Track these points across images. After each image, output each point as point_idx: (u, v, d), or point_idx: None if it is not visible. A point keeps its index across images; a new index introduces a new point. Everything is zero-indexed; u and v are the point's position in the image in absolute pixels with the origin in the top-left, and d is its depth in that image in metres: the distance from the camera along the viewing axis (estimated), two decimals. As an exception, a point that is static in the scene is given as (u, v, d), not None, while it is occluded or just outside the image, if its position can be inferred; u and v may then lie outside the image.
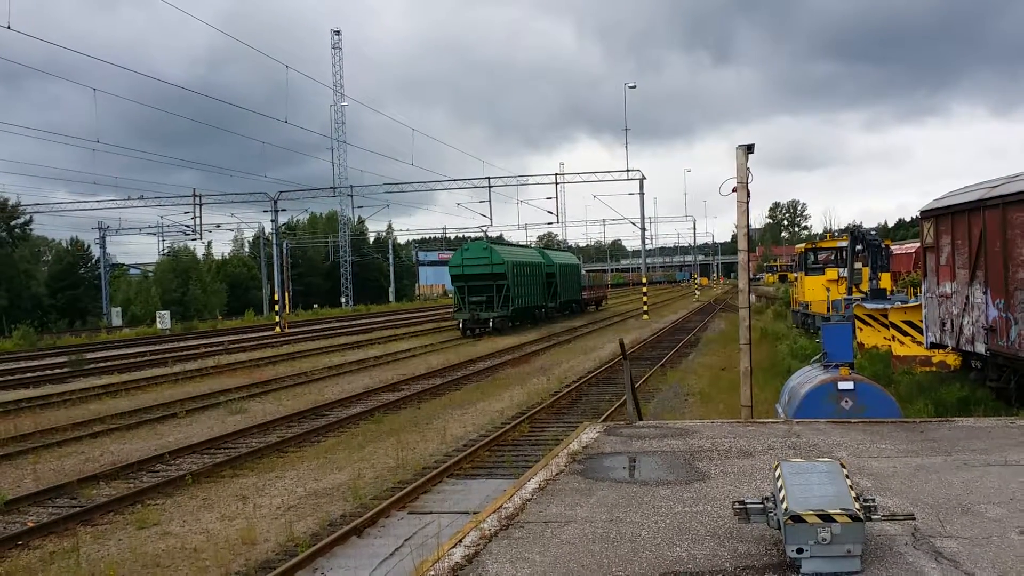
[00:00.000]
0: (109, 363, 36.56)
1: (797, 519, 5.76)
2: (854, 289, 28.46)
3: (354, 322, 67.18)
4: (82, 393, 26.59)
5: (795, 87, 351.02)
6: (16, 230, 75.94)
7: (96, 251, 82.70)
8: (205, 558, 10.65)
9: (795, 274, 44.28)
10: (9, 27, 30.60)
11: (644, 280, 67.54)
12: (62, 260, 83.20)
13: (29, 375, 32.80)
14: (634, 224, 73.88)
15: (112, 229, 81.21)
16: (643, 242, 67.59)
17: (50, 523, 12.26)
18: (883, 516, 6.31)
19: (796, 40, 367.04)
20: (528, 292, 53.68)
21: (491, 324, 48.06)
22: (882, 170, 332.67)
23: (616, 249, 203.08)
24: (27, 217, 75.87)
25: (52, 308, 75.31)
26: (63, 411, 23.37)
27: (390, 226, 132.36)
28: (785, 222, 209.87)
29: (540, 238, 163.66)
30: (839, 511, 5.76)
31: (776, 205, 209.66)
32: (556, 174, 65.06)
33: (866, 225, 56.49)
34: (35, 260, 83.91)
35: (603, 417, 17.94)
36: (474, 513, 9.92)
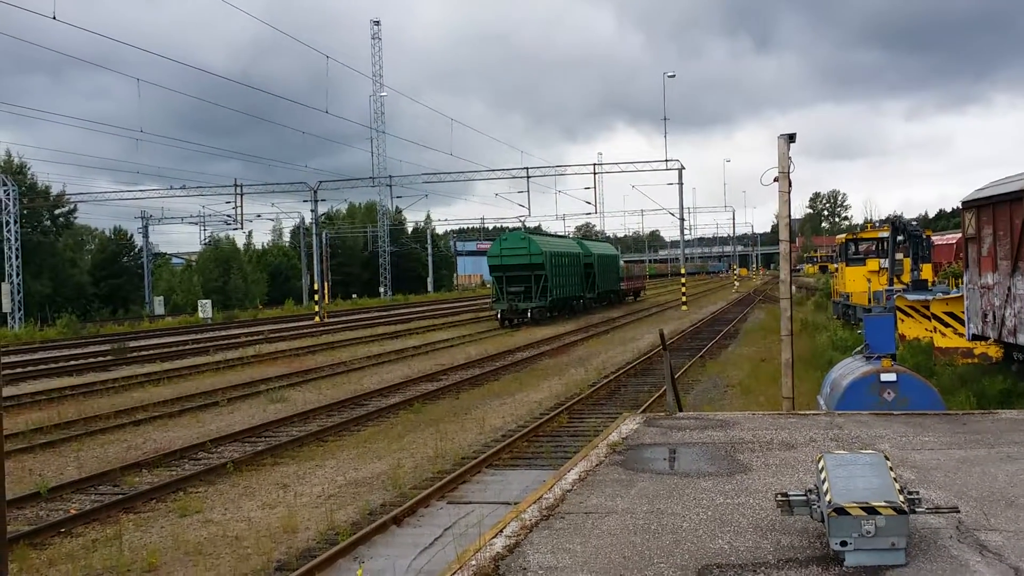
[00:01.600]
0: (151, 351, 36.94)
1: (841, 511, 5.73)
2: (895, 280, 28.21)
3: (393, 312, 67.42)
4: (125, 381, 26.91)
5: (837, 75, 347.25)
6: (60, 219, 76.74)
7: (139, 240, 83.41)
8: (247, 545, 10.74)
9: (836, 265, 43.95)
10: (55, 18, 30.93)
11: (682, 271, 67.30)
12: (105, 249, 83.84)
13: (72, 363, 33.20)
14: (672, 214, 73.40)
15: (154, 218, 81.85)
16: (681, 233, 67.23)
17: (92, 510, 12.42)
18: (927, 509, 6.24)
19: (839, 27, 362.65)
20: (566, 282, 53.54)
21: (529, 314, 48.04)
22: (923, 159, 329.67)
23: (654, 239, 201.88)
24: (71, 206, 76.53)
25: (95, 297, 76.05)
26: (106, 399, 23.66)
27: (428, 216, 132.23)
28: (825, 212, 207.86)
29: (578, 228, 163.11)
30: (883, 503, 5.72)
31: (816, 195, 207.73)
32: (594, 164, 64.80)
33: (907, 215, 55.89)
34: (79, 249, 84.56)
35: (642, 408, 17.90)
36: (514, 503, 9.94)
